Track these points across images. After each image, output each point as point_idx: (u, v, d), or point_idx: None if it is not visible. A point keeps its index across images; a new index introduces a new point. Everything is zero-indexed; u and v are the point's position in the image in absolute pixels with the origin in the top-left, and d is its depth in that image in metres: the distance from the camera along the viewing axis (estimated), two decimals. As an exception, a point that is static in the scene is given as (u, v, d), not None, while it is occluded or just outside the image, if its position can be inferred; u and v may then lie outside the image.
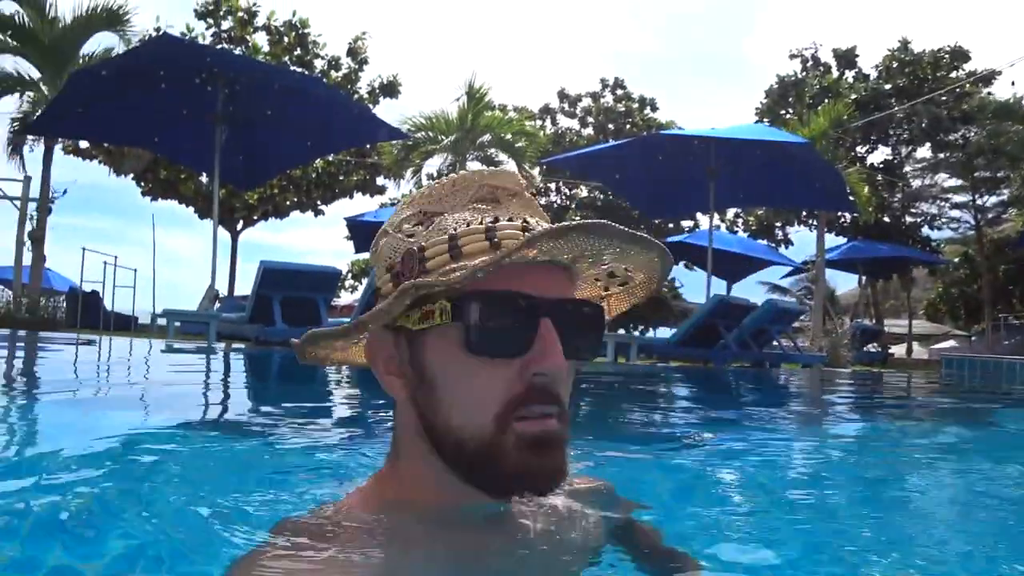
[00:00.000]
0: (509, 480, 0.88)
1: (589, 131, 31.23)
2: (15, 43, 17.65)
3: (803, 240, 30.18)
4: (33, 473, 1.85)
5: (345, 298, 23.29)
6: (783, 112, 28.69)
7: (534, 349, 0.86)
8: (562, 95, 32.15)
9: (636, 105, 31.45)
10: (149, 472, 1.92)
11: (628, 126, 30.46)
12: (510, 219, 0.88)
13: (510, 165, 18.40)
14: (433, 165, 21.13)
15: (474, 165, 19.98)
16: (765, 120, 27.96)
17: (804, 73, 29.88)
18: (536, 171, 23.79)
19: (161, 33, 13.09)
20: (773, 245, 28.81)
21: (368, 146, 21.63)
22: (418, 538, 0.91)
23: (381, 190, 25.39)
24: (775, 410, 6.09)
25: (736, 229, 30.07)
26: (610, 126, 30.98)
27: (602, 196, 28.38)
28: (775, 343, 14.46)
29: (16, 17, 17.29)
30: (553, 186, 31.14)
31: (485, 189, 0.95)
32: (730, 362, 13.43)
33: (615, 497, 1.25)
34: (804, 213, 27.23)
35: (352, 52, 24.85)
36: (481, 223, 0.88)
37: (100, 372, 5.97)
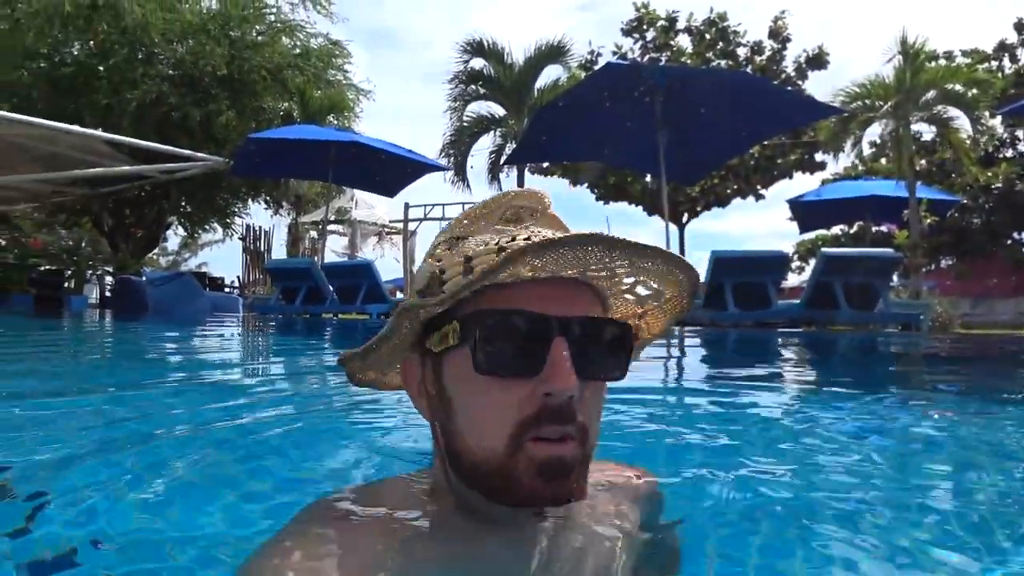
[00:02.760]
0: (522, 502, 0.88)
1: (1062, 62, 26.71)
2: (484, 91, 21.25)
3: None
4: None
5: (792, 280, 23.19)
6: None
7: (545, 369, 0.85)
8: (1020, 26, 27.99)
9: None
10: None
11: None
12: (527, 237, 0.86)
13: (962, 122, 16.84)
14: (873, 132, 20.15)
15: (920, 128, 18.68)
16: None
17: None
18: (997, 120, 21.20)
19: (605, 64, 14.92)
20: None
21: (803, 125, 21.42)
22: (441, 532, 0.92)
23: (821, 166, 24.79)
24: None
25: None
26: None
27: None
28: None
29: (484, 70, 20.85)
30: (1021, 134, 27.28)
31: (510, 211, 0.97)
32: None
33: (653, 494, 1.20)
34: None
35: (773, 33, 24.83)
36: (497, 243, 0.87)
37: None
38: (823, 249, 13.53)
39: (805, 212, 19.76)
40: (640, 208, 25.62)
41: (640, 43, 25.34)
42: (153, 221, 20.77)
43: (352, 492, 0.97)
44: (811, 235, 24.62)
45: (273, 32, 17.89)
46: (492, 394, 0.86)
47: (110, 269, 19.64)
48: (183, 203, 20.67)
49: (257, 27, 17.71)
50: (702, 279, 12.52)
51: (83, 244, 20.20)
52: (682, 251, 25.33)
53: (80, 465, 1.74)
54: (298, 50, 18.21)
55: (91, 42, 16.15)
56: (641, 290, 1.01)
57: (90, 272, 19.95)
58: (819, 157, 24.24)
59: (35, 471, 1.69)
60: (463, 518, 0.92)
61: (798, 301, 12.09)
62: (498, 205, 0.98)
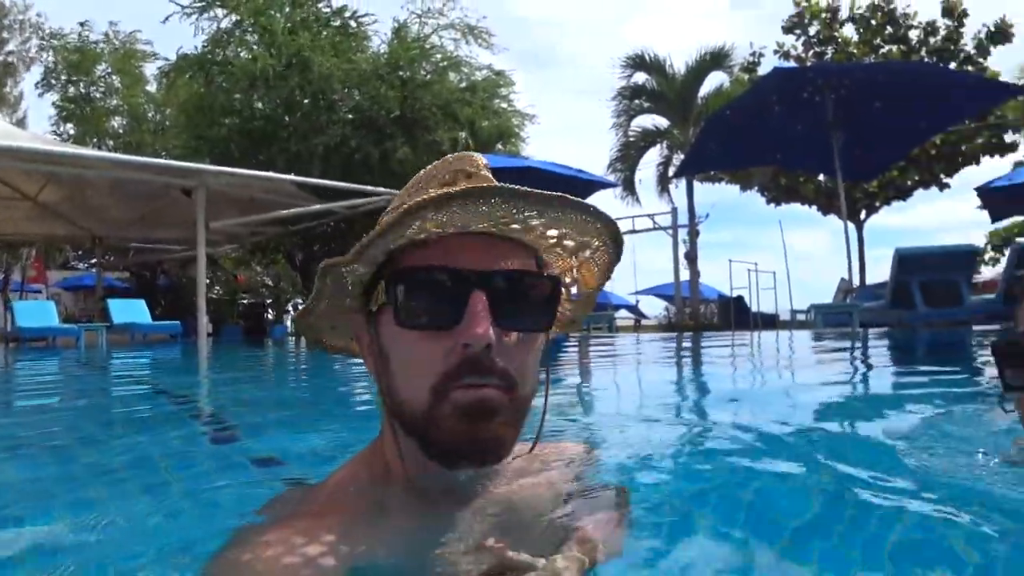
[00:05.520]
0: (446, 447, 0.90)
1: None
2: (648, 104, 21.49)
3: None
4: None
5: (986, 273, 21.67)
6: None
7: (463, 321, 0.88)
8: None
9: None
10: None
11: None
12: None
13: None
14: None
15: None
16: None
17: None
18: None
19: (772, 70, 14.86)
20: None
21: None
22: (394, 513, 0.95)
23: (1012, 148, 22.97)
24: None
25: None
26: None
27: None
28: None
29: (647, 84, 21.11)
30: None
31: (448, 174, 0.98)
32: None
33: (589, 465, 1.21)
34: None
35: (947, 11, 23.43)
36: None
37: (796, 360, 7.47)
38: (1019, 239, 12.81)
39: (996, 199, 18.41)
40: (815, 208, 24.89)
41: (803, 39, 24.68)
42: (339, 254, 22.35)
43: (309, 487, 1.04)
44: (1005, 223, 22.94)
45: (440, 70, 18.69)
46: (417, 346, 0.90)
47: (301, 300, 21.39)
48: (365, 235, 22.14)
49: (425, 66, 18.66)
50: (887, 278, 12.32)
51: (280, 279, 22.23)
52: (861, 250, 24.36)
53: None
54: (464, 84, 18.96)
55: (277, 98, 17.61)
56: (568, 243, 1.03)
57: (288, 303, 21.92)
58: (1009, 138, 22.57)
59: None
60: (413, 499, 0.96)
61: (993, 296, 11.56)
62: (438, 171, 0.99)
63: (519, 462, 1.06)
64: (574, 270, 1.09)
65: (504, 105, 20.09)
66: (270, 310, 22.15)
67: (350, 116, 17.84)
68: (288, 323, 22.60)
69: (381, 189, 14.39)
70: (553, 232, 0.99)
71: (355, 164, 17.16)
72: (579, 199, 0.94)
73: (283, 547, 0.83)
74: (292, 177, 14.23)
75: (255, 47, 17.66)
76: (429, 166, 1.03)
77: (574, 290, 1.12)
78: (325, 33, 18.08)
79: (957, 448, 1.74)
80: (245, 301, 21.31)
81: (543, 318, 0.97)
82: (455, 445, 0.90)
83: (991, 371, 5.27)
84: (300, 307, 1.11)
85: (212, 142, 17.79)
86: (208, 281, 16.28)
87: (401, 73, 18.04)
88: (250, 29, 17.77)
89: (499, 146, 19.28)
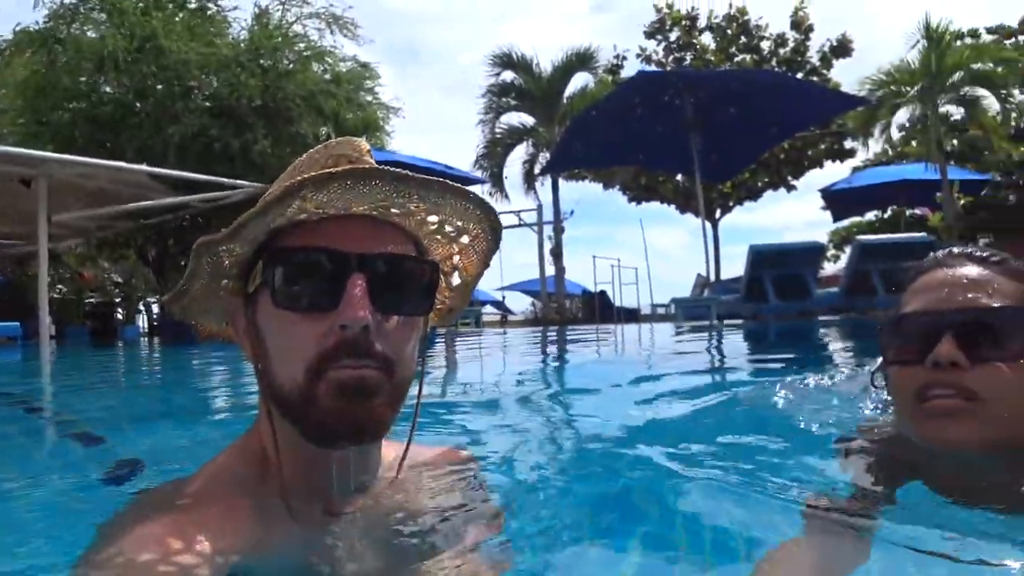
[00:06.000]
0: (324, 426, 0.89)
1: (1092, 33, 26.34)
2: (515, 102, 21.72)
3: None
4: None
5: (829, 268, 23.27)
6: None
7: (341, 303, 0.87)
8: (1046, 0, 27.76)
9: None
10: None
11: None
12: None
13: (990, 101, 16.95)
14: (902, 117, 20.21)
15: (948, 109, 18.76)
16: None
17: None
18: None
19: (636, 73, 15.38)
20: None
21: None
22: (273, 508, 0.92)
23: (851, 154, 24.81)
24: None
25: None
26: (1119, 19, 25.77)
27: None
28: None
29: (514, 82, 21.33)
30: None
31: (331, 159, 0.97)
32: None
33: (468, 471, 1.24)
34: None
35: (795, 24, 24.99)
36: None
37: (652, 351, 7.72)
38: (859, 237, 13.82)
39: (838, 200, 19.95)
40: (673, 207, 25.93)
41: (664, 44, 25.67)
42: (196, 250, 21.42)
43: (181, 480, 0.98)
44: (845, 223, 24.72)
45: (303, 59, 18.25)
46: (294, 328, 0.89)
47: (155, 299, 20.35)
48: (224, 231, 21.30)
49: (288, 55, 18.19)
50: (741, 273, 13.03)
51: (132, 276, 21.02)
52: (716, 247, 25.61)
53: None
54: (328, 75, 18.54)
55: (128, 81, 16.59)
56: (448, 229, 1.03)
57: (140, 302, 20.74)
58: (848, 145, 24.32)
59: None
60: (277, 510, 0.93)
61: (836, 289, 12.39)
62: (320, 155, 0.98)
63: (394, 455, 1.08)
64: (454, 258, 1.09)
65: (369, 98, 19.82)
66: (120, 310, 20.86)
67: (208, 104, 17.09)
68: (141, 323, 21.39)
69: (242, 182, 13.84)
70: (434, 218, 1.00)
71: (214, 155, 16.44)
72: (459, 186, 0.95)
73: (155, 545, 0.80)
74: (147, 168, 13.41)
75: (103, 26, 16.56)
76: (311, 150, 1.01)
77: (455, 279, 1.13)
78: (181, 15, 17.22)
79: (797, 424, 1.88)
80: (92, 300, 19.96)
81: (422, 303, 0.98)
82: (333, 424, 0.88)
83: (840, 355, 5.71)
84: (170, 290, 0.99)
85: (54, 127, 16.55)
86: (50, 279, 15.13)
87: (263, 61, 17.42)
88: (97, 6, 16.66)
89: (364, 139, 18.99)
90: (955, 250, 1.31)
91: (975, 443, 1.14)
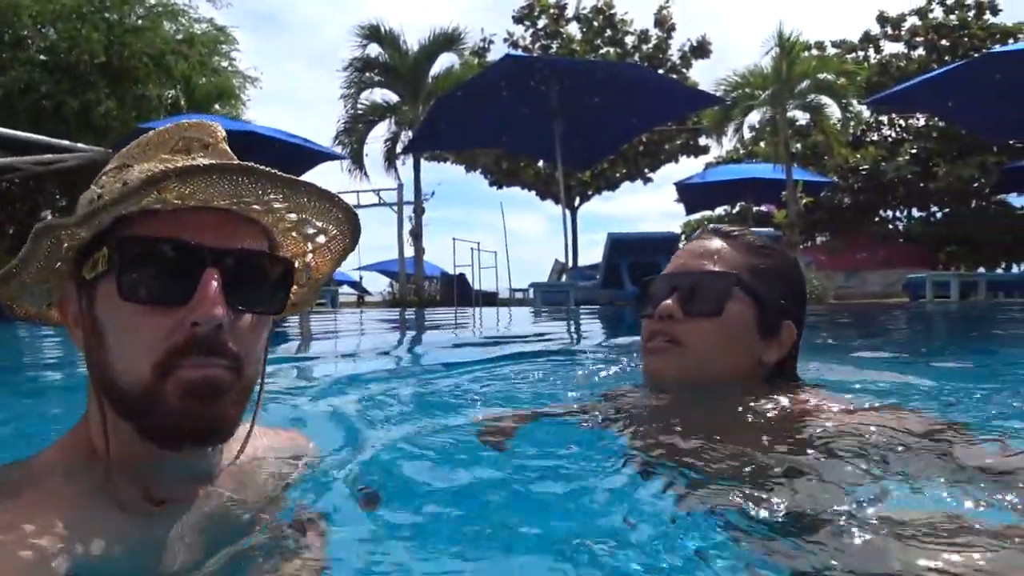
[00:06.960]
0: (169, 427, 0.84)
1: (920, 52, 28.35)
2: (379, 78, 21.17)
3: None
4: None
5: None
6: None
7: (194, 298, 0.83)
8: (882, 19, 29.77)
9: (972, 13, 27.74)
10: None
11: (965, 39, 27.22)
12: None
13: (832, 109, 18.08)
14: (753, 119, 21.23)
15: (795, 114, 19.88)
16: None
17: None
18: (864, 107, 22.65)
19: (504, 56, 15.27)
20: None
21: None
22: (96, 503, 0.84)
23: (705, 150, 25.91)
24: None
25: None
26: (943, 42, 27.91)
27: (941, 124, 26.01)
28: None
29: (379, 57, 20.76)
30: (885, 119, 29.15)
31: (182, 141, 0.92)
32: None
33: (309, 460, 1.22)
34: None
35: (659, 22, 25.73)
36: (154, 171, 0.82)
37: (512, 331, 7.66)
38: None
39: (691, 194, 20.78)
40: (534, 193, 26.17)
41: (531, 30, 25.79)
42: (27, 215, 19.75)
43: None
44: (696, 215, 25.79)
45: (154, 16, 17.22)
46: (140, 321, 0.84)
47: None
48: (59, 197, 19.77)
49: (137, 10, 17.08)
50: (599, 260, 13.27)
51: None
52: (575, 234, 26.10)
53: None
54: (181, 36, 17.59)
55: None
56: (307, 229, 1.01)
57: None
58: (703, 142, 25.35)
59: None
60: (123, 488, 0.87)
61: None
62: (171, 135, 0.93)
63: (236, 446, 1.03)
64: (307, 256, 1.06)
65: (225, 64, 18.89)
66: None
67: (42, 57, 15.73)
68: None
69: (80, 145, 12.81)
70: (293, 216, 0.97)
71: (46, 113, 15.18)
72: (326, 189, 0.93)
73: None
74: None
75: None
76: (161, 127, 0.95)
77: (304, 276, 1.09)
78: (13, -42, 15.73)
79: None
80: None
81: (276, 301, 0.95)
82: (179, 425, 0.85)
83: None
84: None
85: None
86: None
87: (108, 15, 16.24)
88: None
89: (217, 107, 18.10)
90: (712, 226, 1.58)
91: (673, 375, 1.49)
